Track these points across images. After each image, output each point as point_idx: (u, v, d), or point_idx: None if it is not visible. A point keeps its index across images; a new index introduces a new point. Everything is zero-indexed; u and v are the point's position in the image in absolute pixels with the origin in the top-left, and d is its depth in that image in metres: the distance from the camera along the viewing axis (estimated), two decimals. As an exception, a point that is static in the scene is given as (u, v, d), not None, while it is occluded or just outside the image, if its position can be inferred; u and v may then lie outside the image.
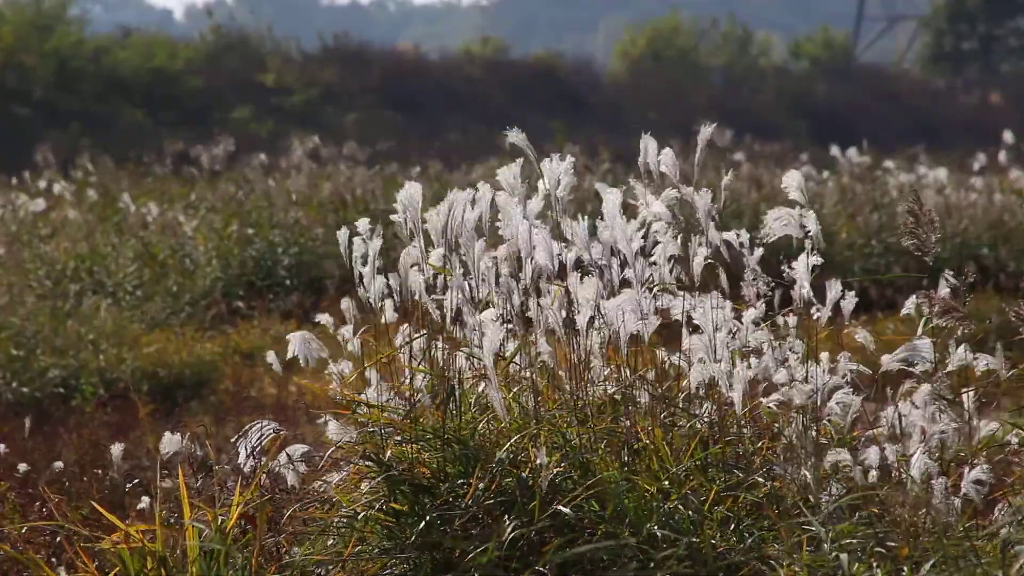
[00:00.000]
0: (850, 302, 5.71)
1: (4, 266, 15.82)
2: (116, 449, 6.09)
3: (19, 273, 15.56)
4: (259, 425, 5.35)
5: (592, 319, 5.42)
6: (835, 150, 21.50)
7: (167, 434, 5.43)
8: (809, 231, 5.36)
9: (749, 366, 5.43)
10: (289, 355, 5.53)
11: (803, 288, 5.47)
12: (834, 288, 5.62)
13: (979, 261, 16.50)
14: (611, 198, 5.46)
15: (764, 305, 5.62)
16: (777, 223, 5.36)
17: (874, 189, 18.90)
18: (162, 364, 12.19)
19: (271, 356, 6.24)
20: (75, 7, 45.89)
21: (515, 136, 5.36)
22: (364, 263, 5.61)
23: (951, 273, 5.34)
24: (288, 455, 5.44)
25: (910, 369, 5.45)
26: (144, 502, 5.29)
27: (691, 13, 60.49)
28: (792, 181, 5.40)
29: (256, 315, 14.80)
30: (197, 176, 20.87)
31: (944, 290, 5.36)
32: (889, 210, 17.96)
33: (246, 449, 5.30)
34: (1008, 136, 20.99)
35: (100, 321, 13.26)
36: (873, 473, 5.07)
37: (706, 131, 5.54)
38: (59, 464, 6.44)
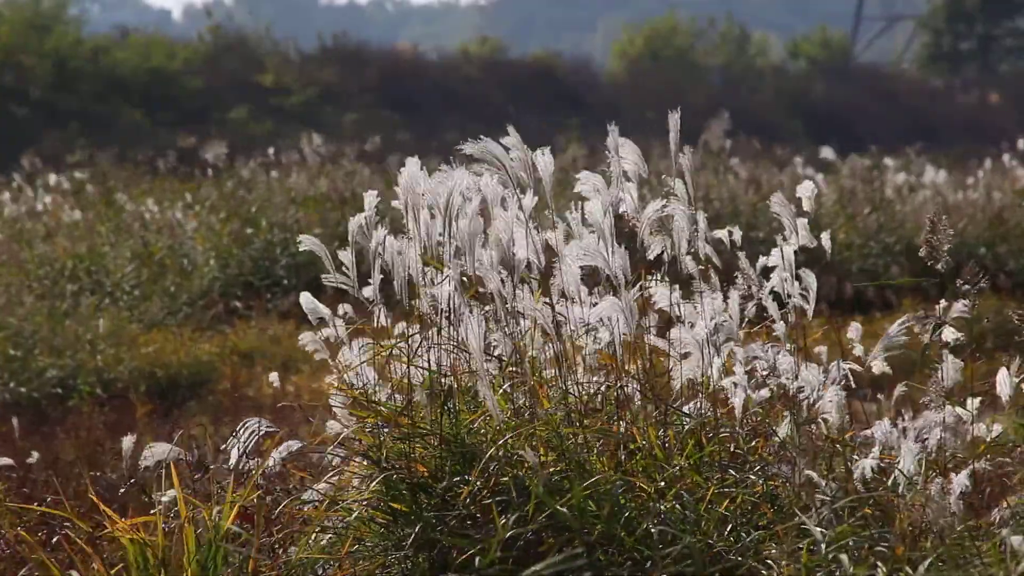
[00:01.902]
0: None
1: (3, 265, 15.82)
2: (127, 443, 6.06)
3: (17, 273, 15.56)
4: (252, 424, 5.35)
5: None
6: (830, 153, 21.50)
7: (149, 446, 5.40)
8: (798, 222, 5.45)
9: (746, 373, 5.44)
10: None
11: (784, 281, 5.49)
12: (813, 285, 5.63)
13: (977, 260, 16.50)
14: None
15: (744, 298, 5.60)
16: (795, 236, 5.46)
17: (873, 190, 18.91)
18: (160, 364, 12.19)
19: (273, 376, 6.23)
20: (73, 7, 45.91)
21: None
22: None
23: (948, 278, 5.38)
24: (280, 453, 5.43)
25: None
26: (167, 497, 5.27)
27: (689, 13, 60.51)
28: (804, 191, 5.51)
29: (254, 315, 14.80)
30: (198, 175, 20.87)
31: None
32: (887, 210, 17.97)
33: (239, 449, 5.30)
34: (1022, 143, 21.05)
35: (98, 321, 13.26)
36: (870, 470, 5.07)
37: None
38: (57, 460, 6.46)
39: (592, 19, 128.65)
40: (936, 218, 5.20)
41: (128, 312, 14.44)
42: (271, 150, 21.86)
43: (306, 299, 5.65)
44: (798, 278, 5.52)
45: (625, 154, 5.42)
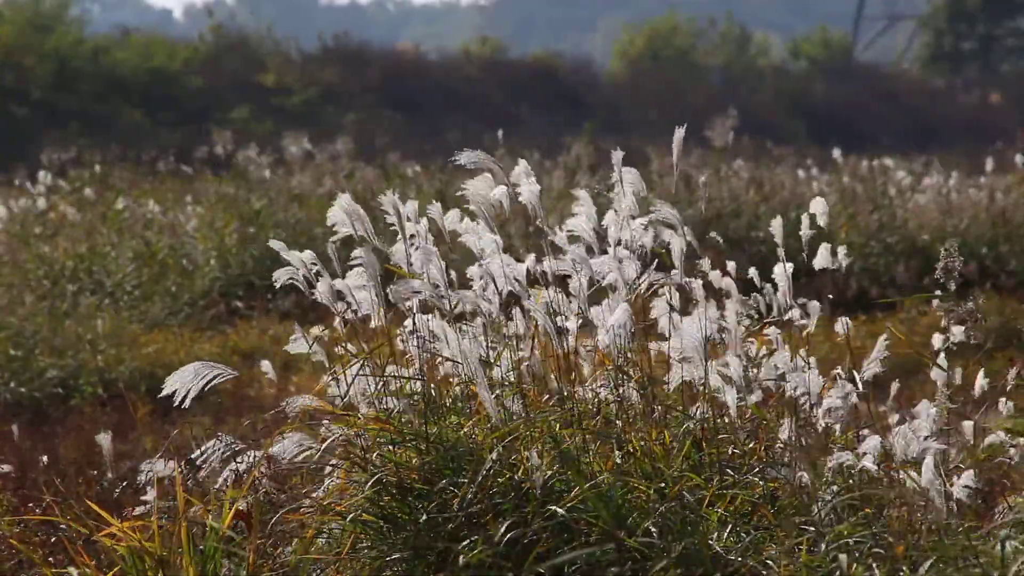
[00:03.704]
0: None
1: (4, 265, 15.81)
2: (104, 440, 6.02)
3: (18, 273, 15.55)
4: (221, 439, 5.37)
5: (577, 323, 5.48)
6: (838, 155, 21.57)
7: (148, 462, 5.38)
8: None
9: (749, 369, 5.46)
10: (167, 390, 5.47)
11: (782, 294, 5.58)
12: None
13: (979, 260, 16.49)
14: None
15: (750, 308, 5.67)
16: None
17: (875, 189, 18.90)
18: (161, 364, 12.18)
19: (265, 364, 6.20)
20: (74, 7, 45.89)
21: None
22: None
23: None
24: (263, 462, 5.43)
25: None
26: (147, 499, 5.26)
27: (689, 13, 60.50)
28: (818, 207, 5.63)
29: (255, 315, 14.79)
30: (196, 173, 20.85)
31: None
32: (889, 210, 17.96)
33: (211, 458, 5.32)
34: None
35: (99, 321, 13.25)
36: (871, 465, 5.07)
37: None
38: (45, 459, 6.45)
39: (592, 19, 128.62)
40: (951, 246, 5.38)
41: (129, 312, 14.43)
42: (253, 146, 21.81)
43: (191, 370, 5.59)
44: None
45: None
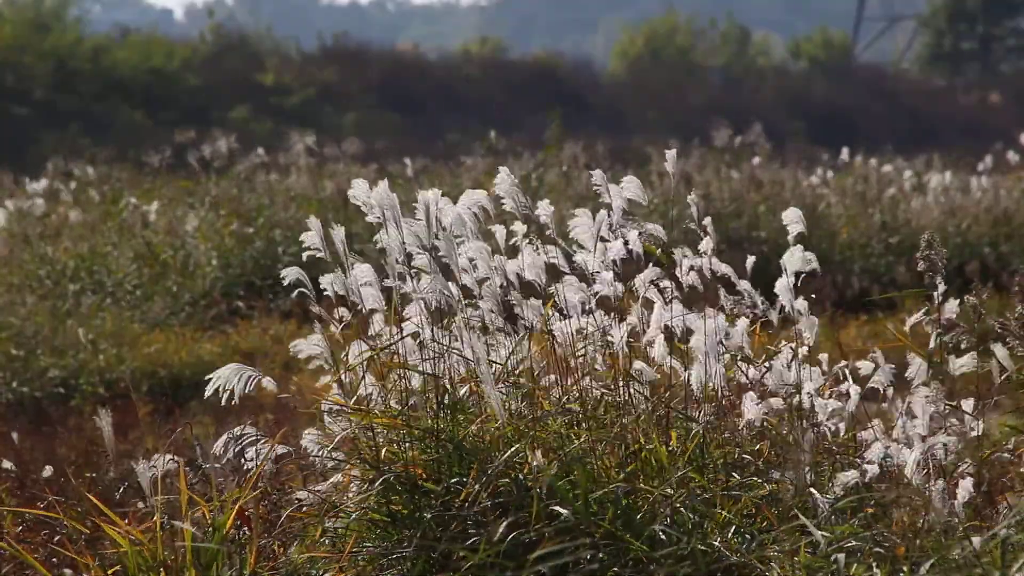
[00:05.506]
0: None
1: (5, 265, 15.82)
2: (105, 426, 5.95)
3: (19, 273, 15.56)
4: (241, 431, 5.37)
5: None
6: (845, 154, 21.63)
7: (153, 458, 5.38)
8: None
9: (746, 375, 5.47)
10: (210, 389, 5.45)
11: (786, 304, 5.57)
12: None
13: (981, 260, 16.49)
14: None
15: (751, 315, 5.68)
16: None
17: (880, 191, 18.91)
18: (162, 364, 12.19)
19: (267, 380, 6.16)
20: (75, 7, 45.90)
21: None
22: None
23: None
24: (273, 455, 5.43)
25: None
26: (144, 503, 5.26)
27: (690, 13, 60.52)
28: (791, 216, 5.59)
29: (256, 315, 14.80)
30: (198, 172, 20.86)
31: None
32: (891, 210, 17.97)
33: (232, 450, 5.32)
34: None
35: (100, 321, 13.25)
36: (871, 474, 5.08)
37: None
38: (49, 469, 6.45)
39: (593, 20, 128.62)
40: (932, 237, 5.29)
41: (130, 312, 14.44)
42: (260, 149, 21.81)
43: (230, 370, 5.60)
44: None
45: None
